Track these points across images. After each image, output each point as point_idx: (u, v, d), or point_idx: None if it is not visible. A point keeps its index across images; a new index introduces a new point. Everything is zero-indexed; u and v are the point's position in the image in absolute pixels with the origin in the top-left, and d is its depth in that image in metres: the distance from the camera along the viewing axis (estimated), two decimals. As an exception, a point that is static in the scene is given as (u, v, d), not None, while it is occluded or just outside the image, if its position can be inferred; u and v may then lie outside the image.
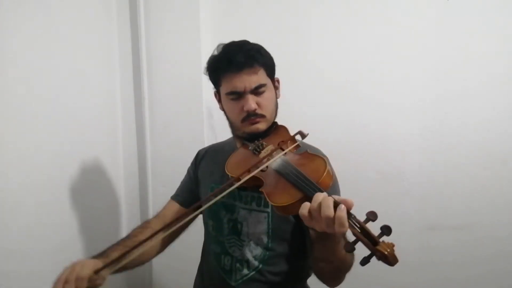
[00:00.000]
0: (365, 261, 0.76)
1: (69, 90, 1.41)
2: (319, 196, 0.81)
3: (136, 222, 1.83)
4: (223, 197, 0.96)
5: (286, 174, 0.94)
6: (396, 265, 1.49)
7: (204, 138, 1.72)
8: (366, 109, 1.74)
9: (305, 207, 0.81)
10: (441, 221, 1.73)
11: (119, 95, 1.79)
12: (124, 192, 1.81)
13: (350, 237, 0.81)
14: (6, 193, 1.12)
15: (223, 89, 1.12)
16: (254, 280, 1.12)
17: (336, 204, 0.79)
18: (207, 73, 1.17)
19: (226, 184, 0.97)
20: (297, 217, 1.09)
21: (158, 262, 1.80)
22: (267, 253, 1.12)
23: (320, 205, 0.79)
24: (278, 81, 1.20)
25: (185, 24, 1.73)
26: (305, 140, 1.08)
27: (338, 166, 1.67)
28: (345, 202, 0.79)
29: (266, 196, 0.92)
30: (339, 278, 1.04)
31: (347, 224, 0.77)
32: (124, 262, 0.97)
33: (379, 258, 0.75)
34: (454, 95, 1.69)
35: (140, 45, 1.75)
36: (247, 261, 1.12)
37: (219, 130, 1.79)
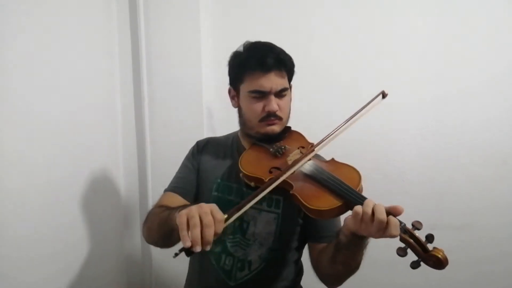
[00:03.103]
0: (416, 265, 0.82)
1: (69, 90, 1.41)
2: (371, 202, 0.85)
3: (136, 222, 1.84)
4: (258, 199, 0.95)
5: (322, 180, 0.96)
6: (396, 265, 1.50)
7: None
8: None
9: (358, 212, 0.84)
10: (441, 221, 1.73)
11: (119, 95, 1.79)
12: (124, 192, 1.81)
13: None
14: (6, 196, 1.11)
15: (246, 87, 1.13)
16: (254, 280, 1.12)
17: (387, 212, 0.83)
18: (229, 67, 1.18)
19: (261, 188, 0.95)
20: (305, 218, 1.11)
21: (158, 262, 1.80)
22: (271, 253, 1.13)
23: (373, 210, 0.83)
24: (291, 87, 1.22)
25: (185, 24, 1.73)
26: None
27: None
28: (395, 210, 0.84)
29: (300, 198, 0.94)
30: (346, 279, 1.06)
31: (399, 229, 0.82)
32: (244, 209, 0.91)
33: (432, 264, 0.82)
34: (454, 95, 1.70)
35: (140, 45, 1.75)
36: (250, 262, 1.12)
37: (219, 130, 1.79)
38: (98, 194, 1.60)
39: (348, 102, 1.75)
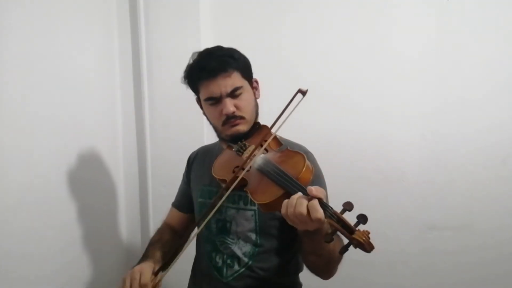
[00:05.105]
0: (344, 249, 0.81)
1: (69, 90, 1.41)
2: (293, 199, 0.85)
3: (136, 222, 1.84)
4: (223, 201, 1.00)
5: (267, 172, 0.97)
6: (396, 265, 1.51)
7: (204, 138, 1.72)
8: (366, 109, 1.74)
9: (284, 208, 0.85)
10: (441, 221, 1.73)
11: (119, 95, 1.79)
12: (124, 192, 1.81)
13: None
14: (6, 194, 1.11)
15: (202, 96, 1.16)
16: (245, 276, 1.14)
17: (309, 200, 0.83)
18: (185, 82, 1.20)
19: (223, 189, 1.00)
20: None
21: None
22: (256, 249, 1.14)
23: (295, 207, 0.83)
24: (256, 81, 1.22)
25: (185, 24, 1.73)
26: (289, 135, 1.10)
27: (339, 166, 1.67)
28: (311, 192, 0.83)
29: (250, 194, 0.95)
30: (331, 270, 1.07)
31: (321, 212, 0.80)
32: (176, 259, 1.01)
33: (356, 246, 0.79)
34: (454, 96, 1.69)
35: (140, 45, 1.75)
36: (238, 258, 1.14)
37: (219, 130, 1.79)
38: (98, 194, 1.60)
39: (347, 103, 1.76)
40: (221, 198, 0.98)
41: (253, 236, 1.14)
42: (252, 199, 0.94)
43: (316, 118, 1.71)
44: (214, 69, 1.08)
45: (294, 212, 0.83)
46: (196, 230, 1.13)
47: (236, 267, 1.14)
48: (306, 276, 1.22)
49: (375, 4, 1.72)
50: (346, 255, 0.86)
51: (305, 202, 0.82)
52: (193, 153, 1.36)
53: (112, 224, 1.73)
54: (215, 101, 1.11)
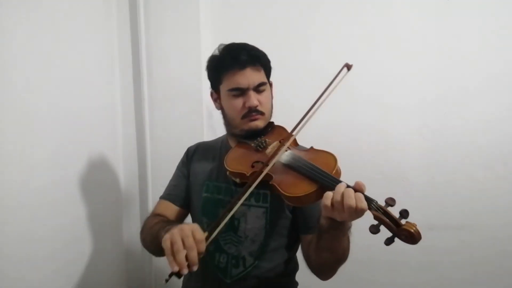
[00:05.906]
0: (389, 241, 0.83)
1: (69, 90, 1.41)
2: (341, 188, 0.86)
3: (136, 222, 1.84)
4: (245, 197, 0.99)
5: (298, 167, 0.98)
6: (395, 265, 1.50)
7: (204, 138, 1.72)
8: (366, 109, 1.74)
9: (327, 198, 0.86)
10: (441, 221, 1.73)
11: (119, 95, 1.79)
12: (124, 192, 1.81)
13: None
14: (5, 195, 1.11)
15: (225, 86, 1.15)
16: (250, 277, 1.13)
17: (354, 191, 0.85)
18: (207, 71, 1.20)
19: (247, 184, 0.99)
20: (294, 211, 1.13)
21: (158, 261, 1.80)
22: (264, 248, 1.14)
23: (342, 196, 0.84)
24: (271, 83, 1.24)
25: (185, 24, 1.73)
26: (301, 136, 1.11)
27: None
28: (357, 186, 0.87)
29: (278, 188, 0.96)
30: (336, 269, 1.07)
31: (365, 203, 0.84)
32: (220, 226, 0.93)
33: (404, 238, 0.82)
34: (455, 95, 1.70)
35: (140, 45, 1.75)
36: (243, 258, 1.14)
37: (219, 130, 1.78)
38: (98, 194, 1.60)
39: (347, 102, 1.76)
40: (244, 193, 0.97)
41: (262, 234, 1.13)
42: (283, 192, 0.95)
43: (315, 118, 1.71)
44: (245, 61, 1.10)
45: (341, 201, 0.83)
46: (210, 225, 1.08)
47: (241, 267, 1.14)
48: (303, 275, 1.23)
49: (375, 3, 1.72)
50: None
51: (352, 193, 0.84)
52: (191, 146, 1.35)
53: (112, 224, 1.73)
54: (240, 92, 1.12)
